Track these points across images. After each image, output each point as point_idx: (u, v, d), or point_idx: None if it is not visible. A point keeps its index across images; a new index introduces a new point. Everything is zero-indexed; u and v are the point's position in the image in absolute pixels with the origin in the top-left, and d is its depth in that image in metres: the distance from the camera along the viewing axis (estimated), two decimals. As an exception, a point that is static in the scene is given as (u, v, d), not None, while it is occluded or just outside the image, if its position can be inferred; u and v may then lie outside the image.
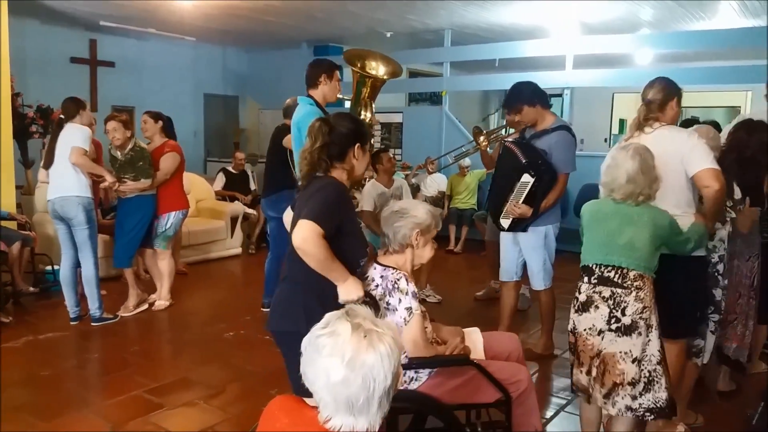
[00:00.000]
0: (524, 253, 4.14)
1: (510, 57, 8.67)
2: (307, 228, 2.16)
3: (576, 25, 8.06)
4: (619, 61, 10.13)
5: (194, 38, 9.81)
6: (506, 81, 9.10)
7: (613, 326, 2.54)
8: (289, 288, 2.38)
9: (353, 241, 2.38)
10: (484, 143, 4.94)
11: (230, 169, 8.35)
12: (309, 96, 3.92)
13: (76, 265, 4.81)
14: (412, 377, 2.43)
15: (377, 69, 4.05)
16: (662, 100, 2.95)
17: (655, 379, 2.54)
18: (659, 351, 2.56)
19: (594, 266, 2.65)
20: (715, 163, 2.80)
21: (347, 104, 4.21)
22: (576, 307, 2.69)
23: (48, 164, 4.73)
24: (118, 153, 5.00)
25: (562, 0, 6.91)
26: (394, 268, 2.47)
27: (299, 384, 2.08)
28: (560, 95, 9.25)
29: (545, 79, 8.59)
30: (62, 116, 4.75)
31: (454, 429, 2.31)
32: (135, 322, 5.02)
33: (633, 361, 2.51)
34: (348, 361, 1.27)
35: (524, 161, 3.80)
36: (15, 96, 6.67)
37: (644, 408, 2.54)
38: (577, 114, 11.18)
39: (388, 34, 9.19)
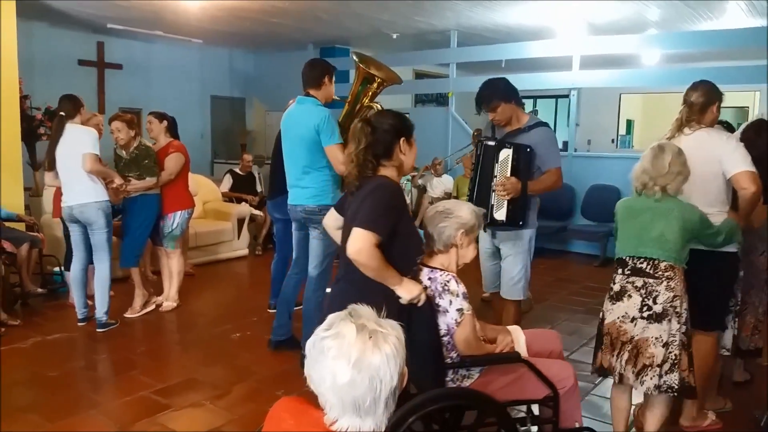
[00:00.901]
0: (506, 260, 3.73)
1: (516, 58, 8.65)
2: (361, 238, 2.19)
3: (582, 25, 8.04)
4: (626, 61, 10.10)
5: (201, 40, 9.85)
6: (513, 82, 9.13)
7: (645, 314, 2.70)
8: (348, 289, 2.36)
9: (409, 241, 2.39)
10: None
11: (237, 170, 8.38)
12: (310, 95, 3.95)
13: (87, 267, 4.82)
14: (465, 375, 2.48)
15: (380, 74, 4.14)
16: (704, 103, 3.09)
17: (679, 361, 2.67)
18: (685, 336, 2.70)
19: (627, 258, 2.80)
20: (753, 167, 2.93)
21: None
22: (610, 297, 2.85)
23: (51, 166, 4.66)
24: (123, 152, 5.01)
25: (569, 0, 6.89)
26: (441, 270, 2.49)
27: None
28: (567, 96, 9.22)
29: (552, 80, 8.64)
30: (62, 113, 4.65)
31: (506, 425, 2.34)
32: (142, 323, 5.04)
33: (663, 345, 2.66)
34: (354, 363, 1.27)
35: (496, 143, 3.57)
36: (23, 98, 6.71)
37: (667, 385, 2.67)
38: (584, 115, 11.14)
39: (394, 36, 9.19)
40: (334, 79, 4.05)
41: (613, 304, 2.81)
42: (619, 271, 2.83)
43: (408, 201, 5.64)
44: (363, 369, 1.27)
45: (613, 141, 13.27)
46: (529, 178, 3.53)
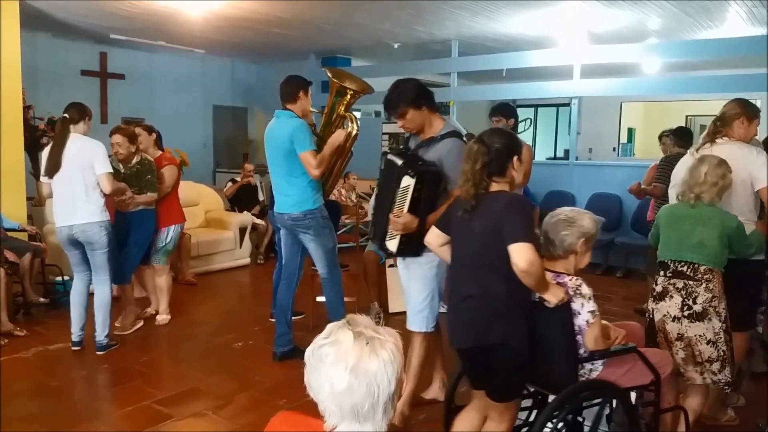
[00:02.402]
0: (410, 284, 3.35)
1: (517, 67, 8.69)
2: (529, 251, 2.31)
3: (583, 34, 8.07)
4: (626, 70, 10.12)
5: (203, 50, 9.90)
6: (514, 91, 9.20)
7: (686, 313, 2.93)
8: (486, 303, 2.47)
9: (536, 247, 2.55)
10: None
11: (239, 179, 8.40)
12: (288, 110, 4.13)
13: (89, 285, 4.55)
14: (591, 368, 2.66)
15: (352, 86, 4.35)
16: (729, 117, 3.32)
17: (727, 358, 2.92)
18: (728, 335, 2.93)
19: (669, 262, 3.03)
20: None
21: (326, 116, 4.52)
22: (653, 297, 3.08)
23: (53, 171, 4.28)
24: (120, 166, 4.84)
25: (570, 7, 6.92)
26: (567, 274, 2.62)
27: (500, 392, 2.52)
28: (568, 105, 9.24)
29: (553, 89, 8.66)
30: (66, 116, 4.35)
31: (629, 409, 2.63)
32: (144, 332, 5.03)
33: (707, 343, 2.90)
34: (351, 369, 1.27)
35: (401, 163, 3.14)
36: (26, 108, 6.74)
37: (723, 382, 2.95)
38: (585, 123, 11.17)
39: (396, 45, 9.23)
40: (310, 93, 4.23)
41: (657, 303, 3.04)
42: (661, 273, 3.05)
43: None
44: (360, 375, 1.27)
45: (614, 149, 13.28)
46: (433, 209, 3.09)
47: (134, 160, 4.90)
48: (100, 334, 4.49)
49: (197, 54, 10.09)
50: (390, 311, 5.50)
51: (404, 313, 5.44)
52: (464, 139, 3.21)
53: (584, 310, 2.57)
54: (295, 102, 4.13)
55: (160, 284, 5.22)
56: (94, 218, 4.31)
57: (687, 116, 13.32)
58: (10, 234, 5.45)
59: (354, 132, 4.21)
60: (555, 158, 13.51)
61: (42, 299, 5.51)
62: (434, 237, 2.77)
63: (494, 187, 2.49)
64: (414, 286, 3.33)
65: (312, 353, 1.34)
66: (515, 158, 2.52)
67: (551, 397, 2.83)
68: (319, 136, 4.26)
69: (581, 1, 6.59)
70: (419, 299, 3.32)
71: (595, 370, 2.66)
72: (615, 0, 6.51)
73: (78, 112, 4.39)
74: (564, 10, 6.98)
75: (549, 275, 2.58)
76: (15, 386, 3.92)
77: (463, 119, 9.39)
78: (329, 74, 4.36)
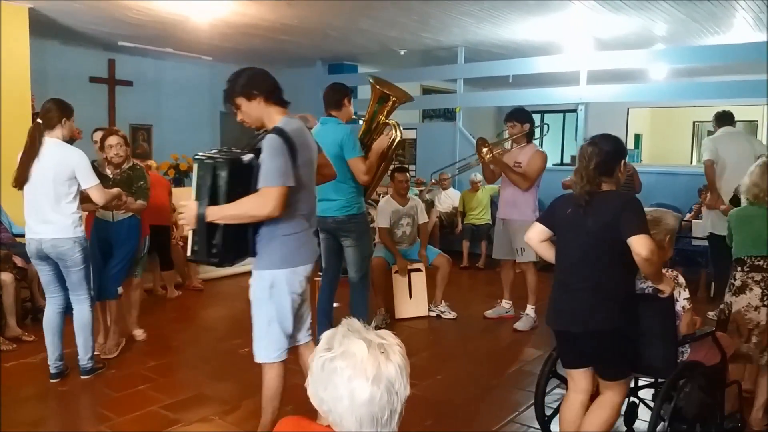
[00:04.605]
0: (252, 307, 2.94)
1: (523, 73, 8.69)
2: (650, 241, 2.53)
3: (590, 40, 8.06)
4: (633, 76, 10.11)
5: (211, 57, 9.94)
6: (520, 97, 9.18)
7: (766, 302, 3.25)
8: (599, 293, 2.67)
9: None
10: (488, 156, 5.09)
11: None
12: (332, 116, 4.27)
13: (65, 310, 4.14)
14: (683, 351, 2.92)
15: (395, 94, 4.48)
16: None
17: None
18: None
19: (746, 258, 3.35)
20: None
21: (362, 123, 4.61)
22: (732, 291, 3.39)
23: (22, 183, 3.85)
24: (108, 171, 4.51)
25: (576, 13, 6.93)
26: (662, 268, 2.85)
27: (618, 369, 2.76)
28: (575, 111, 9.23)
29: (560, 95, 8.66)
30: (39, 121, 3.94)
31: (713, 387, 2.95)
32: (150, 337, 5.02)
33: None
34: (373, 379, 1.27)
35: (200, 154, 2.80)
36: (36, 115, 6.77)
37: None
38: (591, 129, 11.06)
39: (402, 52, 9.25)
40: (352, 100, 4.39)
41: (736, 296, 3.34)
42: (738, 269, 3.37)
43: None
44: (381, 383, 1.27)
45: (621, 155, 13.23)
46: (234, 192, 2.70)
47: (125, 165, 4.57)
48: (83, 358, 4.12)
49: (205, 61, 10.14)
50: (396, 317, 5.50)
51: (411, 319, 5.50)
52: (287, 135, 2.76)
53: (681, 298, 2.85)
54: (340, 109, 4.26)
55: (135, 299, 4.93)
56: (66, 233, 3.87)
57: (694, 122, 13.27)
58: (18, 239, 5.48)
59: (398, 138, 4.36)
60: (562, 164, 13.44)
61: (50, 304, 5.52)
62: (537, 233, 2.91)
63: (604, 186, 2.70)
64: (253, 310, 2.91)
65: (321, 367, 1.31)
66: (622, 162, 2.75)
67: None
68: (362, 143, 4.37)
69: (588, 6, 6.59)
70: (256, 326, 2.89)
71: (685, 352, 2.92)
72: (621, 5, 6.50)
73: (57, 115, 3.98)
74: (570, 16, 6.98)
75: None
76: (23, 391, 3.94)
77: (470, 125, 9.41)
78: (371, 81, 4.47)
